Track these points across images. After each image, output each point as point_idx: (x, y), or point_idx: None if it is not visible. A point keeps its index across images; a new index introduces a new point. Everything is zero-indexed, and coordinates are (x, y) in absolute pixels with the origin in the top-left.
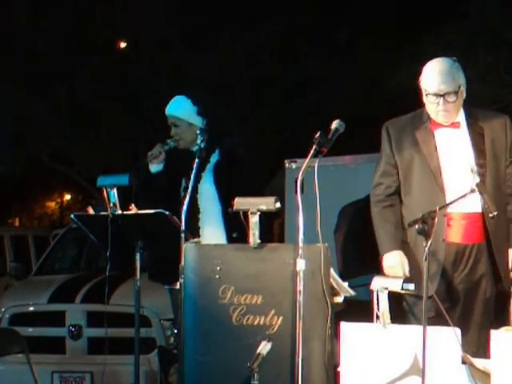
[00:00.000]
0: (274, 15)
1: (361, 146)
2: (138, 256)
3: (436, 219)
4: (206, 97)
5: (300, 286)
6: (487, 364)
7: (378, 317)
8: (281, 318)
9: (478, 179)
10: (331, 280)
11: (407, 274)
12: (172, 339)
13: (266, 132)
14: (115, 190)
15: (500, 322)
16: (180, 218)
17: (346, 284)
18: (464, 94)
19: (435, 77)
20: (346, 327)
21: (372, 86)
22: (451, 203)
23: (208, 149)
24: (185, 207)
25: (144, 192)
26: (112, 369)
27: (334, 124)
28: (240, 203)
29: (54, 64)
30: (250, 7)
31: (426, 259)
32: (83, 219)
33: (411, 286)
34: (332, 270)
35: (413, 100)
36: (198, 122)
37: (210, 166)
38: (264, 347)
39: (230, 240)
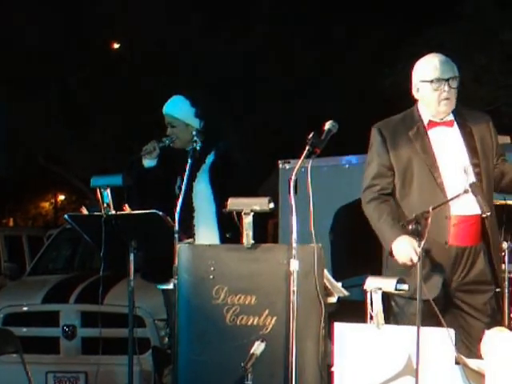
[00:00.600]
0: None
1: (353, 146)
2: (131, 256)
3: (429, 220)
4: (203, 97)
5: (294, 287)
6: (481, 364)
7: (371, 317)
8: (274, 319)
9: (472, 179)
10: (325, 280)
11: (418, 254)
12: (166, 339)
13: (263, 132)
14: (109, 191)
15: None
16: (174, 216)
17: (339, 284)
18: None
19: (437, 63)
20: (339, 327)
21: (367, 87)
22: (444, 203)
23: (204, 150)
24: (179, 206)
25: (137, 186)
26: (106, 369)
27: (327, 125)
28: (233, 203)
29: (49, 65)
30: (250, 7)
31: (419, 259)
32: (77, 219)
33: (405, 287)
34: (326, 271)
35: (409, 101)
36: (195, 123)
37: (205, 167)
38: (258, 347)
39: (224, 240)
